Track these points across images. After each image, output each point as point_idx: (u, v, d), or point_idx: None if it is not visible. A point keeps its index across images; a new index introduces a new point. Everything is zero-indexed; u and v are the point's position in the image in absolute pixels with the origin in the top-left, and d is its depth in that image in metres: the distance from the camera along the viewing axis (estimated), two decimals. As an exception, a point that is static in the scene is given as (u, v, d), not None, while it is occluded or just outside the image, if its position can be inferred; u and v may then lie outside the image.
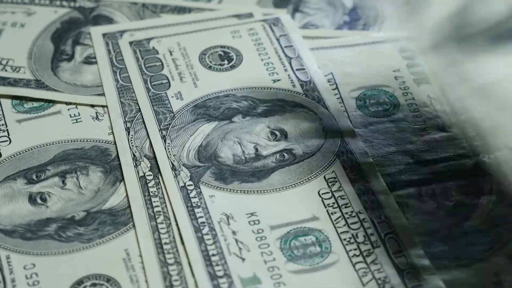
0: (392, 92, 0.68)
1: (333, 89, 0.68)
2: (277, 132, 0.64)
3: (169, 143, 0.62)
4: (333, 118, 0.65)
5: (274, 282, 0.56)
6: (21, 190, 0.61)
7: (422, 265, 0.56)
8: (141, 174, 0.60)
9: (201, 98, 0.66)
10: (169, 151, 0.62)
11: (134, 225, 0.59)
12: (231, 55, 0.70)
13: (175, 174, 0.60)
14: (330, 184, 0.61)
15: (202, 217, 0.58)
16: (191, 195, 0.59)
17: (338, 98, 0.67)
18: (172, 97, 0.66)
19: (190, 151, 0.62)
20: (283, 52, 0.70)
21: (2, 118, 0.66)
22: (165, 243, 0.58)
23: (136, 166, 0.60)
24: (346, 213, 0.59)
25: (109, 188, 0.61)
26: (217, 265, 0.56)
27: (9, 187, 0.61)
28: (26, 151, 0.63)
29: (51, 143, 0.64)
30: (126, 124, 0.63)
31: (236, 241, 0.57)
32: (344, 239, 0.58)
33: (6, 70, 0.69)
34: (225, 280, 0.55)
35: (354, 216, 0.59)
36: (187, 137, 0.63)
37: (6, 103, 0.67)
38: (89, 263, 0.57)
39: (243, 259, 0.57)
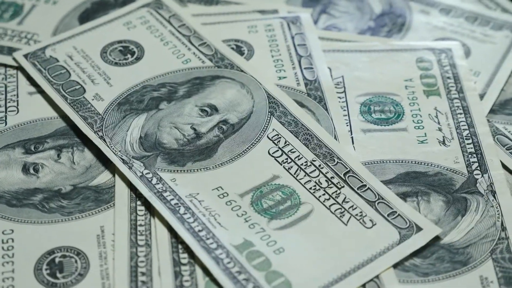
0: (399, 101, 0.67)
1: (339, 92, 0.68)
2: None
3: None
4: (330, 120, 0.65)
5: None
6: (17, 159, 0.63)
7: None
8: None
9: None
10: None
11: (114, 204, 0.60)
12: (243, 48, 0.71)
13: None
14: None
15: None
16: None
17: (343, 102, 0.67)
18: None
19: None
20: (295, 50, 0.70)
21: (16, 89, 0.68)
22: (140, 225, 0.59)
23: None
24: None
25: (99, 166, 0.63)
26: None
27: (7, 155, 0.63)
28: (30, 123, 0.66)
29: (56, 118, 0.66)
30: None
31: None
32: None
33: (29, 44, 0.72)
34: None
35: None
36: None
37: (21, 77, 0.69)
38: (64, 235, 0.59)
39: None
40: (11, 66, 0.70)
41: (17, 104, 0.67)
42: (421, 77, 0.69)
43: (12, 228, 0.59)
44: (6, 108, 0.66)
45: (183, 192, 0.60)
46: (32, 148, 0.64)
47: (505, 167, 0.64)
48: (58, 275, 0.57)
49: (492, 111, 0.67)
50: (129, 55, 0.70)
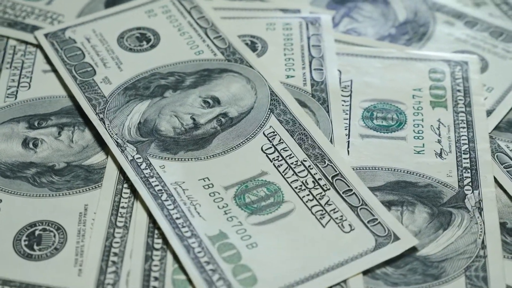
0: (403, 109, 0.67)
1: (345, 96, 0.68)
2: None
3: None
4: (330, 122, 0.65)
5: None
6: (19, 132, 0.65)
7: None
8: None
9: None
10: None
11: (102, 185, 0.62)
12: (257, 45, 0.71)
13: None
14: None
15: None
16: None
17: (346, 105, 0.67)
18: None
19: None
20: (309, 50, 0.70)
21: (32, 66, 0.70)
22: (122, 207, 0.60)
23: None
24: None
25: (96, 147, 0.64)
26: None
27: (11, 128, 0.65)
28: (39, 99, 0.68)
29: (64, 96, 0.68)
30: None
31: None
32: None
33: (52, 24, 0.74)
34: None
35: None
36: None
37: (39, 55, 0.71)
38: (48, 210, 0.60)
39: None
40: (31, 44, 0.72)
41: (30, 81, 0.69)
42: (431, 88, 0.68)
43: (1, 198, 0.61)
44: (18, 84, 0.68)
45: (169, 180, 0.61)
46: (36, 123, 0.66)
47: (500, 185, 0.62)
48: (35, 247, 0.58)
49: (498, 128, 0.66)
50: (144, 42, 0.71)
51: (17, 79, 0.69)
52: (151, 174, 0.61)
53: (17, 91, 0.68)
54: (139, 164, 0.62)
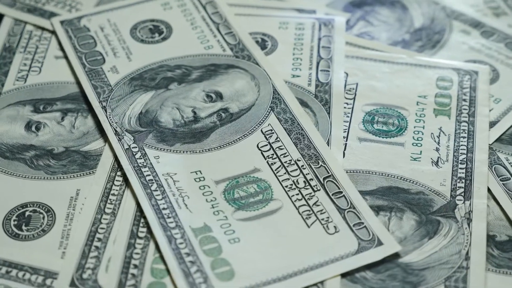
0: (406, 115, 0.66)
1: (349, 98, 0.68)
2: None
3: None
4: (329, 123, 0.65)
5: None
6: (24, 115, 0.66)
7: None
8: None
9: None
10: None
11: (95, 171, 0.63)
12: (267, 43, 0.71)
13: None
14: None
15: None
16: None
17: (349, 108, 0.67)
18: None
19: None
20: (318, 51, 0.70)
21: (45, 52, 0.72)
22: (113, 194, 0.61)
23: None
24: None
25: (96, 134, 0.65)
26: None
27: (16, 110, 0.67)
28: (47, 84, 0.69)
29: (72, 83, 0.69)
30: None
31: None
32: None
33: (70, 12, 0.75)
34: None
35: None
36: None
37: (54, 41, 0.73)
38: (40, 192, 0.61)
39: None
40: (48, 30, 0.73)
41: (41, 66, 0.70)
42: (436, 96, 0.68)
43: (-4, 177, 0.62)
44: (30, 68, 0.70)
45: (161, 170, 0.62)
46: (41, 107, 0.67)
47: (494, 198, 0.62)
48: (23, 227, 0.59)
49: (500, 140, 0.65)
50: (156, 34, 0.72)
51: (29, 64, 0.70)
52: (145, 164, 0.62)
53: (27, 75, 0.69)
54: (134, 153, 0.63)
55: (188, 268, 0.56)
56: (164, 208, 0.59)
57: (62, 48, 0.71)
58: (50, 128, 0.66)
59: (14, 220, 0.60)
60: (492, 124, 0.66)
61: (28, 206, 0.61)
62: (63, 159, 0.64)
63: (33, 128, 0.66)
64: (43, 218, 0.60)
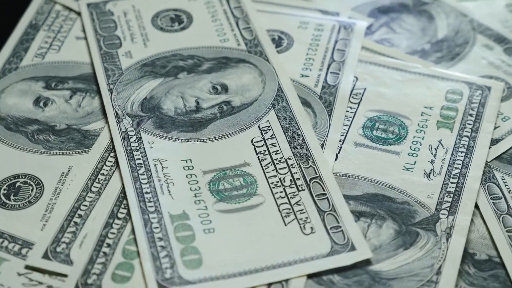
0: (408, 125, 0.66)
1: (354, 102, 0.67)
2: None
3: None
4: (328, 126, 0.65)
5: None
6: (35, 91, 0.69)
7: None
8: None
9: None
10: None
11: (90, 150, 0.64)
12: (283, 41, 0.72)
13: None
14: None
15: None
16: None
17: (352, 112, 0.67)
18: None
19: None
20: (332, 53, 0.70)
21: (68, 32, 0.74)
22: (102, 174, 0.63)
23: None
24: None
25: (99, 114, 0.67)
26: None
27: (29, 85, 0.69)
28: (63, 63, 0.71)
29: (86, 63, 0.71)
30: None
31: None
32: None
33: None
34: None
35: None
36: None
37: (78, 22, 0.75)
38: (34, 165, 0.63)
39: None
40: (74, 11, 0.75)
41: (61, 45, 0.72)
42: (442, 108, 0.67)
43: (-3, 147, 0.64)
44: (50, 46, 0.72)
45: (153, 156, 0.63)
46: (53, 85, 0.69)
47: (481, 215, 0.60)
48: (12, 197, 0.61)
49: (500, 158, 0.64)
50: (176, 24, 0.73)
51: (50, 42, 0.72)
52: (137, 148, 0.63)
53: (46, 53, 0.71)
54: (129, 136, 0.64)
55: (158, 252, 0.57)
56: (147, 192, 0.60)
57: (84, 30, 0.73)
58: (57, 105, 0.67)
59: (4, 190, 0.62)
60: (495, 142, 0.65)
61: (20, 177, 0.62)
62: (62, 136, 0.65)
63: (41, 104, 0.67)
64: (32, 190, 0.62)
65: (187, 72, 0.69)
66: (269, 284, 0.56)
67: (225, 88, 0.67)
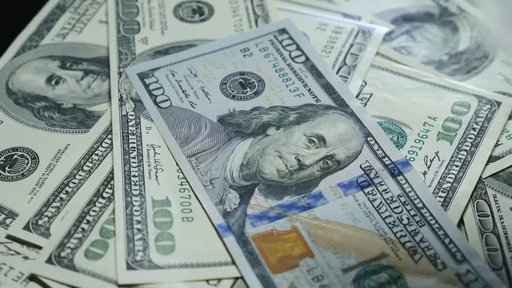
0: (408, 134, 0.65)
1: (357, 107, 0.67)
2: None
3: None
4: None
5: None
6: (49, 69, 0.70)
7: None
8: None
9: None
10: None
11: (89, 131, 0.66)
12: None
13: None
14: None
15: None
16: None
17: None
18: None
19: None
20: (345, 57, 0.70)
21: (93, 15, 0.75)
22: (96, 154, 0.64)
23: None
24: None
25: (106, 97, 0.68)
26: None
27: (45, 63, 0.71)
28: (82, 44, 0.73)
29: (103, 46, 0.72)
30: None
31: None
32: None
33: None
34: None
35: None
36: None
37: (104, 6, 0.76)
38: (34, 140, 0.65)
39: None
40: (104, -4, 0.77)
41: (84, 27, 0.74)
42: (446, 120, 0.66)
43: (3, 119, 0.66)
44: (73, 27, 0.74)
45: (147, 141, 0.64)
46: (68, 65, 0.71)
47: (465, 232, 0.59)
48: (7, 168, 0.63)
49: (496, 175, 0.62)
50: (197, 15, 0.74)
51: (73, 23, 0.74)
52: (134, 132, 0.64)
53: (67, 33, 0.73)
54: (129, 120, 0.65)
55: (133, 235, 0.58)
56: (134, 176, 0.61)
57: (107, 13, 0.74)
58: (68, 85, 0.69)
59: (1, 161, 0.64)
60: (494, 159, 0.63)
61: (19, 150, 0.64)
62: (67, 115, 0.67)
63: (53, 82, 0.69)
64: (27, 163, 0.63)
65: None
66: (236, 278, 0.56)
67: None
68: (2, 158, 0.64)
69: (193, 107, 0.66)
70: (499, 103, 0.67)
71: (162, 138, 0.64)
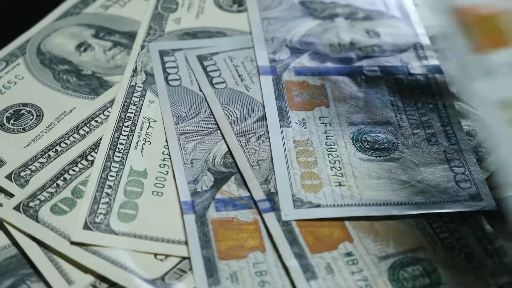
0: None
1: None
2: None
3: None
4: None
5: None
6: (83, 36, 0.73)
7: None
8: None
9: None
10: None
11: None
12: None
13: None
14: None
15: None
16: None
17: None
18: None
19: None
20: None
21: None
22: (95, 121, 0.66)
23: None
24: None
25: (123, 69, 0.70)
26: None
27: (80, 30, 0.74)
28: (121, 18, 0.75)
29: (140, 22, 0.74)
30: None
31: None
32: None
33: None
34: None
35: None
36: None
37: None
38: (45, 99, 0.68)
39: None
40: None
41: (128, 1, 0.76)
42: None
43: (25, 76, 0.70)
44: (117, 1, 0.76)
45: (146, 114, 0.65)
46: (101, 35, 0.73)
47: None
48: (12, 121, 0.66)
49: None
50: (236, 5, 0.75)
51: (118, -2, 0.77)
52: (135, 103, 0.66)
53: (111, 5, 0.76)
54: (135, 91, 0.66)
55: (101, 197, 0.59)
56: (121, 143, 0.63)
57: (152, -8, 0.76)
58: (94, 53, 0.71)
59: (9, 113, 0.67)
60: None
61: (28, 106, 0.67)
62: (83, 80, 0.69)
63: (82, 49, 0.72)
64: (31, 119, 0.66)
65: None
66: (184, 258, 0.57)
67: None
68: (11, 111, 0.67)
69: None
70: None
71: (161, 113, 0.65)
